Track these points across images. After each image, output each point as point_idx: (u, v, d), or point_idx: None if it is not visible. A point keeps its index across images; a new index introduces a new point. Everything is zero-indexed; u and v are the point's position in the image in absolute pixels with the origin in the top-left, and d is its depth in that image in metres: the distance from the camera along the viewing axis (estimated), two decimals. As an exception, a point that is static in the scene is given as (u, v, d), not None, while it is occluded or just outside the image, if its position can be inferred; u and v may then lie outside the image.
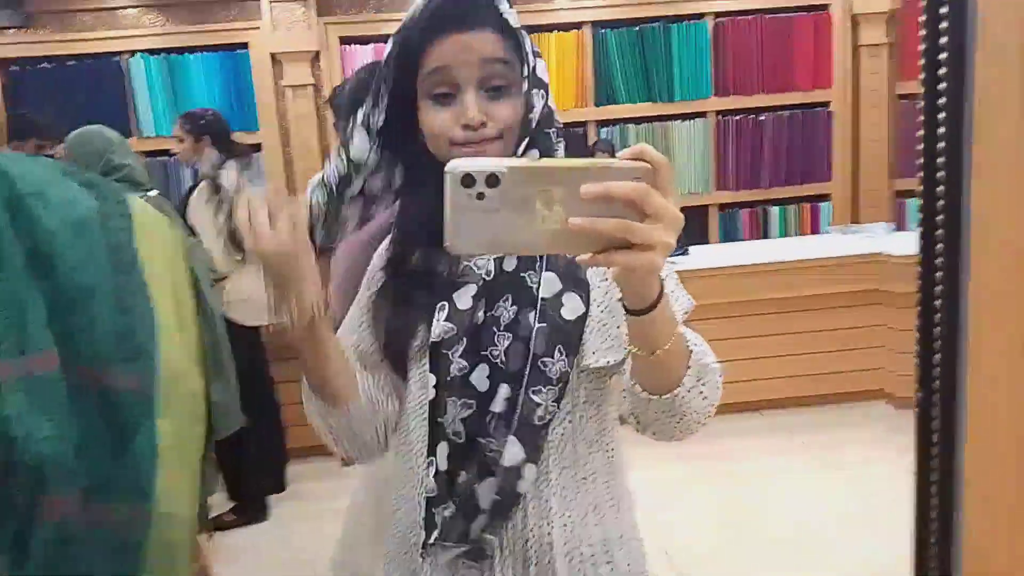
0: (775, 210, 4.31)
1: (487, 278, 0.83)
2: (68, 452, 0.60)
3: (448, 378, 0.82)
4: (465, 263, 0.84)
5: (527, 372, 0.80)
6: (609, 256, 0.57)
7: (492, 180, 0.55)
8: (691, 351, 0.72)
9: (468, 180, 0.55)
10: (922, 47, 0.90)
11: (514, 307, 0.82)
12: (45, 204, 0.66)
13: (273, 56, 4.01)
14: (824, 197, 4.33)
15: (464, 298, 0.83)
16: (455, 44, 0.79)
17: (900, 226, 3.96)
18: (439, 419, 0.83)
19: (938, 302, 0.90)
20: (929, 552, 0.95)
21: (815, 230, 4.28)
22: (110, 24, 4.02)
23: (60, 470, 0.60)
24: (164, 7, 4.03)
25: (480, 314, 0.83)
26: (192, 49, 3.99)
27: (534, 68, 0.83)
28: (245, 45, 4.00)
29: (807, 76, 4.21)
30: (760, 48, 4.17)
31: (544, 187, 0.55)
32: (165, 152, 4.04)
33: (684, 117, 4.21)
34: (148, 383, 0.66)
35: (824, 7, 4.19)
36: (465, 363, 0.82)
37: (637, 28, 4.10)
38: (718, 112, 4.22)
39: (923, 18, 0.90)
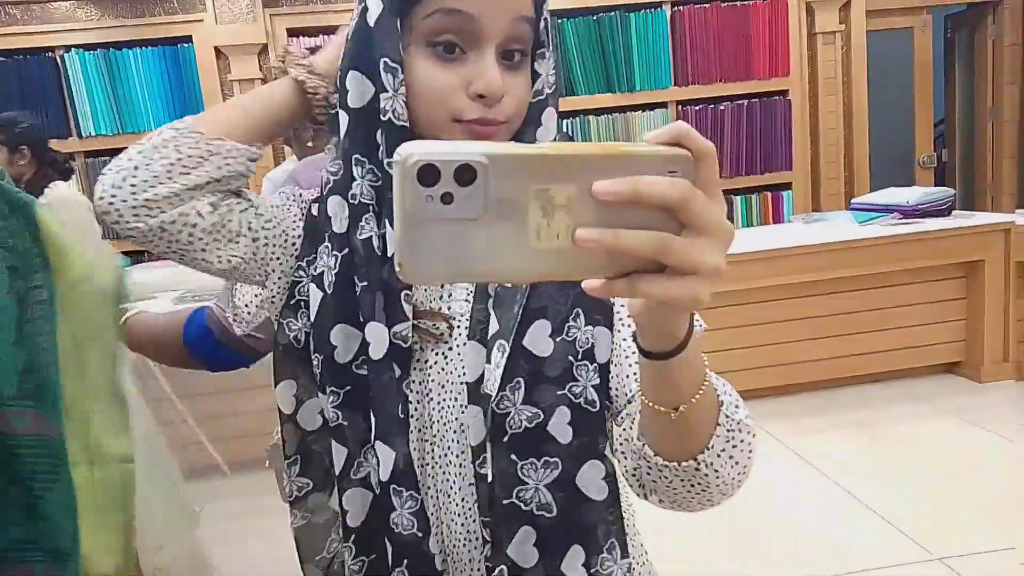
0: (737, 200, 4.30)
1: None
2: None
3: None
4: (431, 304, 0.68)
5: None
6: (635, 283, 0.39)
7: (465, 174, 0.36)
8: (721, 403, 0.54)
9: (430, 174, 0.36)
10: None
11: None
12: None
13: (218, 50, 3.85)
14: (785, 186, 4.34)
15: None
16: None
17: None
18: None
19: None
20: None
21: (777, 219, 4.28)
22: (42, 18, 3.81)
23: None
24: (99, 0, 3.84)
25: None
26: (131, 44, 3.80)
27: (547, 28, 0.65)
28: (188, 39, 3.83)
29: (764, 65, 4.21)
30: (718, 37, 4.15)
31: (542, 185, 0.37)
32: (108, 152, 3.86)
33: (645, 108, 4.17)
34: (56, 427, 0.56)
35: (780, -6, 4.19)
36: None
37: (595, 17, 4.04)
38: (678, 102, 4.18)
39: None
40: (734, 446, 0.54)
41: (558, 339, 0.64)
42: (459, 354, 0.67)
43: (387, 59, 0.62)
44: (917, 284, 3.32)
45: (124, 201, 0.63)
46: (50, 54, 3.77)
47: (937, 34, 4.86)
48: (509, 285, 0.65)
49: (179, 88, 3.87)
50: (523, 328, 0.64)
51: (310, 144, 1.60)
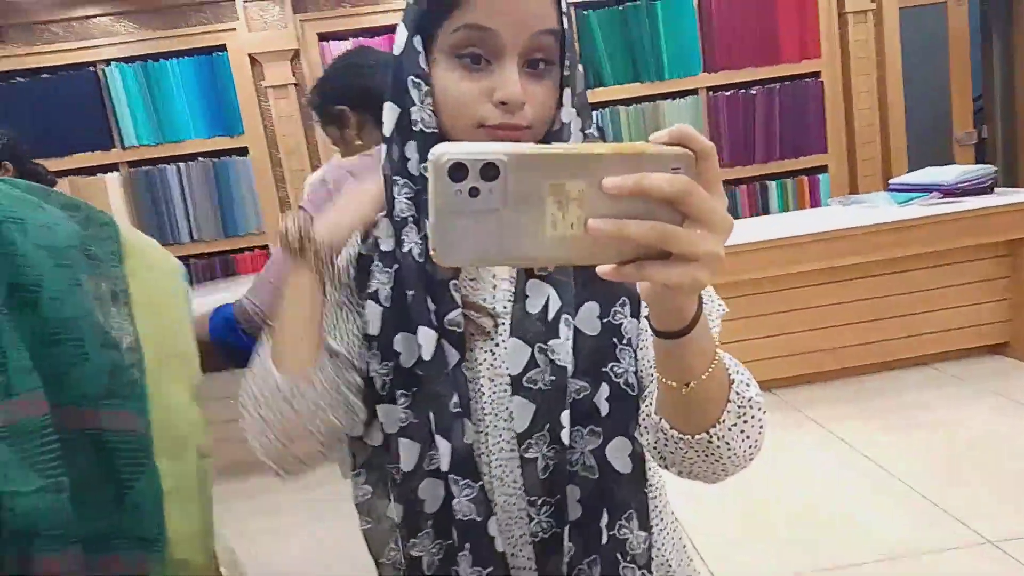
0: (773, 185, 4.26)
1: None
2: (62, 505, 0.55)
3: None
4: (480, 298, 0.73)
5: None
6: (642, 268, 0.45)
7: (489, 171, 0.42)
8: (732, 380, 0.59)
9: (459, 171, 0.42)
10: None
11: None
12: (23, 230, 0.60)
13: (252, 57, 3.93)
14: (821, 169, 4.28)
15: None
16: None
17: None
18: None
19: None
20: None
21: (815, 203, 4.23)
22: (81, 34, 3.92)
23: (55, 526, 0.54)
24: (136, 13, 3.94)
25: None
26: (168, 55, 3.90)
27: (572, 42, 0.70)
28: (222, 47, 3.91)
29: (794, 47, 4.15)
30: (746, 21, 4.10)
31: (556, 180, 0.43)
32: (150, 162, 3.96)
33: (674, 96, 4.14)
34: (143, 422, 0.60)
35: (808, -25, 4.13)
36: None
37: (620, 7, 4.02)
38: (708, 88, 4.15)
39: None
40: (745, 421, 0.60)
41: (604, 321, 0.71)
42: (504, 349, 0.72)
43: (413, 76, 0.69)
44: (960, 264, 3.26)
45: (279, 455, 0.69)
46: (91, 68, 3.88)
47: (972, 7, 4.75)
48: (549, 269, 0.71)
49: (215, 95, 3.96)
50: (575, 308, 0.70)
51: (359, 142, 1.62)
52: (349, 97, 1.53)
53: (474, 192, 0.43)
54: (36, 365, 0.57)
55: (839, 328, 3.27)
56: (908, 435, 2.77)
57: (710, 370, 0.55)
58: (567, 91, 0.71)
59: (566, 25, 0.69)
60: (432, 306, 0.71)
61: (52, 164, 3.86)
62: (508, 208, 0.43)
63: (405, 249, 0.71)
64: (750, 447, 0.61)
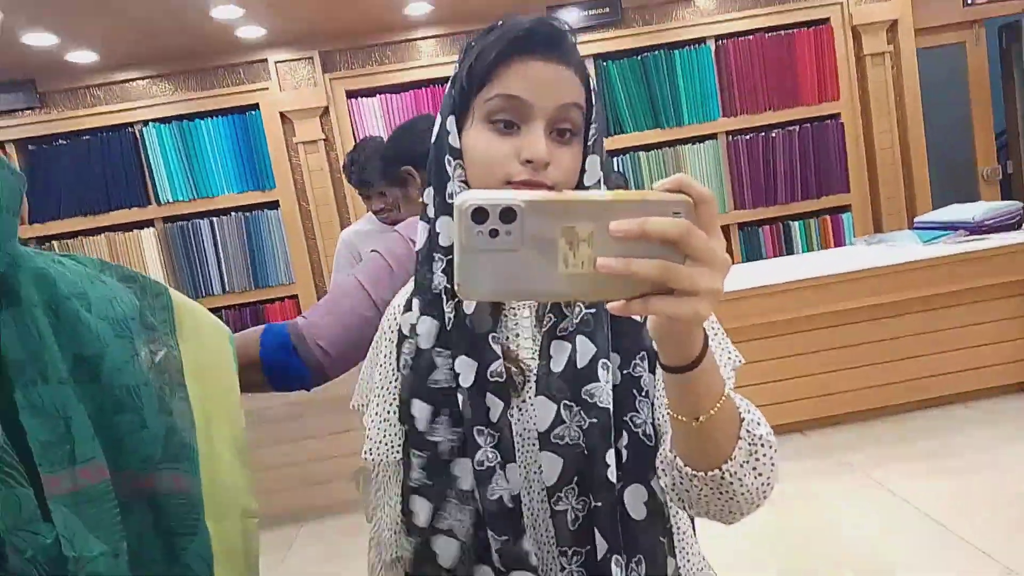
0: (796, 225, 4.27)
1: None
2: (122, 568, 0.58)
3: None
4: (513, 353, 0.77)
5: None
6: (647, 303, 0.49)
7: (508, 215, 0.47)
8: (742, 419, 0.62)
9: (480, 215, 0.47)
10: None
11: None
12: (87, 305, 0.64)
13: (283, 115, 4.07)
14: (844, 208, 4.29)
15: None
16: (539, 73, 0.72)
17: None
18: None
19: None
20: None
21: (838, 242, 4.23)
22: (121, 97, 4.10)
23: (116, 588, 0.57)
24: (173, 76, 4.11)
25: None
26: (203, 114, 4.06)
27: (597, 124, 0.76)
28: (255, 106, 4.06)
29: (812, 90, 4.20)
30: (764, 66, 4.17)
31: (568, 223, 0.48)
32: (184, 217, 4.09)
33: (694, 141, 4.20)
34: (195, 483, 0.63)
35: (824, 21, 4.20)
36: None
37: (639, 58, 4.11)
38: (728, 132, 4.21)
39: None
40: (757, 458, 0.62)
41: (624, 372, 0.75)
42: (532, 406, 0.76)
43: (448, 156, 0.76)
44: (988, 302, 3.23)
45: None
46: (129, 129, 4.04)
47: (992, 44, 4.77)
48: (570, 325, 0.75)
49: (248, 152, 4.10)
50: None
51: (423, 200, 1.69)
52: (413, 158, 1.61)
53: (494, 233, 0.48)
54: (97, 432, 0.61)
55: (864, 368, 3.23)
56: (943, 476, 2.71)
57: (718, 406, 0.58)
58: (591, 158, 0.76)
59: (594, 101, 0.76)
60: (474, 362, 0.75)
61: (91, 221, 4.03)
62: (525, 248, 0.48)
63: (446, 320, 0.76)
64: (762, 484, 0.63)
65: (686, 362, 0.55)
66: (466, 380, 0.75)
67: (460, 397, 0.75)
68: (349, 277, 1.19)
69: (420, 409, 0.76)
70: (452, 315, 0.76)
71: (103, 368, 0.62)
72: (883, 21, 4.19)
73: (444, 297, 0.77)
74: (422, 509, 0.76)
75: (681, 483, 0.65)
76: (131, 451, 0.62)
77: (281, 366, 1.08)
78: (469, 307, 0.75)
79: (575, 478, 0.72)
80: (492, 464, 0.73)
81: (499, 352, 0.75)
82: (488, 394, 0.74)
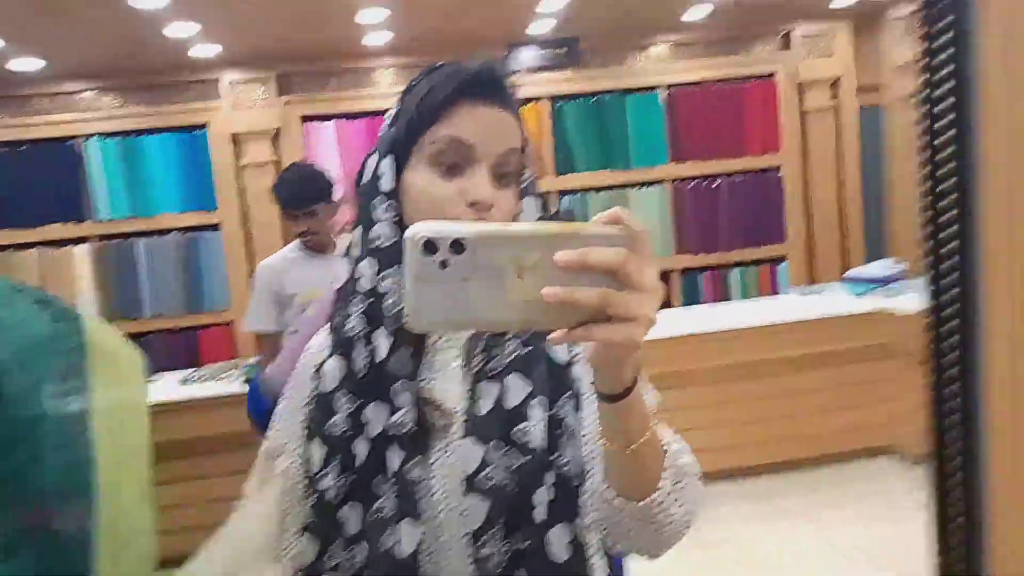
0: (735, 272, 4.39)
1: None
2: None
3: None
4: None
5: None
6: (588, 331, 0.51)
7: (457, 246, 0.49)
8: (666, 450, 0.65)
9: (430, 246, 0.49)
10: (921, 110, 0.90)
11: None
12: (-4, 327, 0.62)
13: (233, 135, 4.02)
14: (781, 259, 4.43)
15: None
16: (485, 117, 0.74)
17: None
18: None
19: (949, 357, 0.89)
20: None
21: (774, 291, 4.35)
22: (67, 107, 4.00)
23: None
24: (122, 89, 4.03)
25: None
26: (149, 131, 3.98)
27: (530, 167, 0.80)
28: (203, 125, 4.00)
29: (757, 141, 4.36)
30: (712, 116, 4.31)
31: (515, 254, 0.50)
32: (121, 236, 3.98)
33: (641, 184, 4.30)
34: (91, 522, 0.61)
35: (770, 75, 4.38)
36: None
37: (593, 99, 4.21)
38: (674, 179, 4.32)
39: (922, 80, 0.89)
40: (681, 487, 0.65)
41: (550, 414, 0.76)
42: (456, 449, 0.76)
43: (382, 196, 0.77)
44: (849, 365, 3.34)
45: None
46: (71, 141, 3.93)
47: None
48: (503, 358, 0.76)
49: (193, 172, 4.02)
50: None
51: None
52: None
53: (444, 264, 0.49)
54: (-6, 466, 0.58)
55: (797, 418, 3.31)
56: (885, 525, 2.78)
57: (648, 434, 0.61)
58: (527, 200, 0.79)
59: (527, 143, 0.79)
60: (384, 410, 0.75)
61: (21, 235, 3.88)
62: (474, 279, 0.49)
63: (359, 364, 0.76)
64: (686, 514, 0.66)
65: (620, 389, 0.58)
66: (374, 428, 0.75)
67: (360, 445, 0.75)
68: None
69: (315, 451, 0.77)
70: (368, 360, 0.75)
71: (4, 396, 0.60)
72: (827, 78, 4.39)
73: (359, 341, 0.76)
74: (309, 546, 0.78)
75: (610, 516, 0.67)
76: (27, 485, 0.60)
77: (261, 412, 1.21)
78: (383, 352, 0.75)
79: (502, 519, 0.72)
80: (387, 515, 0.73)
81: (411, 400, 0.75)
82: (393, 444, 0.74)
